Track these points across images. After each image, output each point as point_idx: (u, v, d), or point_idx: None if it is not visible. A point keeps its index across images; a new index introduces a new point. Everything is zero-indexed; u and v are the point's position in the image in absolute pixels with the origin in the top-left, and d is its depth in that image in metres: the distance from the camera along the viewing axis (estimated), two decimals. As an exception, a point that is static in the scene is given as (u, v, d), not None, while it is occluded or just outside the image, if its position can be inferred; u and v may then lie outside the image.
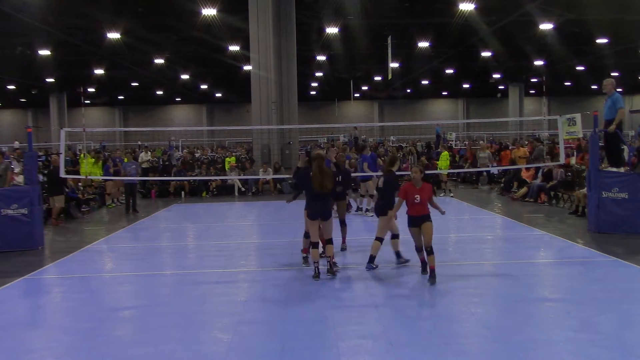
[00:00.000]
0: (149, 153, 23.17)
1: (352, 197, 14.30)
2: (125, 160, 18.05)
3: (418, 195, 7.54)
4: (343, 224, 9.70)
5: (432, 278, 7.51)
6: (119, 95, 48.77)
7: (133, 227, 13.48)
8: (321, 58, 31.11)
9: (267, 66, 19.63)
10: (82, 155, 20.59)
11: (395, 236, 8.53)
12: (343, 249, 9.66)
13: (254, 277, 8.42)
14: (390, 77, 27.04)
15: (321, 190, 7.85)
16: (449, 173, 19.81)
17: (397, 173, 16.10)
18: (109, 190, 17.36)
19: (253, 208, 17.13)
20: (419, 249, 7.89)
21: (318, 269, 7.88)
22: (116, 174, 16.91)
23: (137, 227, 13.53)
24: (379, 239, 8.27)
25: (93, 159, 18.45)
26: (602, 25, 24.75)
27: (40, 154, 21.01)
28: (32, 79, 37.06)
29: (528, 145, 21.13)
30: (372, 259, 8.31)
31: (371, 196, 13.26)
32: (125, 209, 15.66)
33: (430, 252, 7.55)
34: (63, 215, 14.33)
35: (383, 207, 8.23)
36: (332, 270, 8.01)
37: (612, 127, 10.95)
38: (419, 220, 7.61)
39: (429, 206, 7.72)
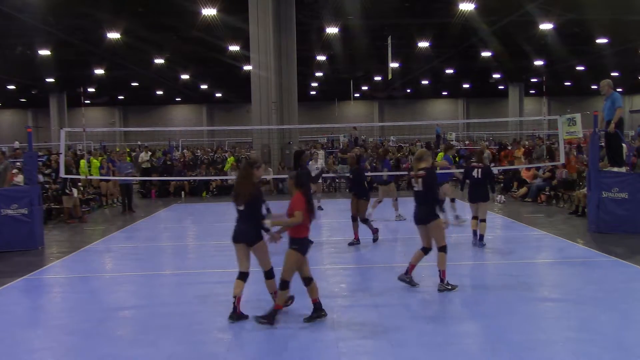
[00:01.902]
0: (149, 153, 23.17)
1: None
2: (128, 159, 18.04)
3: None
4: (365, 221, 10.09)
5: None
6: (119, 95, 48.77)
7: (133, 227, 13.48)
8: (321, 58, 31.10)
9: (267, 66, 19.62)
10: (83, 156, 20.58)
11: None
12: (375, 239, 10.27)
13: (254, 277, 8.37)
14: (390, 77, 27.00)
15: (236, 202, 6.24)
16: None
17: (397, 173, 16.08)
18: (104, 190, 17.36)
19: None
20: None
21: (235, 305, 6.13)
22: (113, 174, 16.92)
23: (137, 227, 13.53)
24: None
25: (98, 160, 18.49)
26: (602, 25, 24.75)
27: (40, 153, 20.99)
28: (32, 79, 37.07)
29: (527, 145, 21.16)
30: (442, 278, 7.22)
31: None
32: (122, 209, 15.77)
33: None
34: (63, 216, 14.36)
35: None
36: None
37: (612, 127, 10.97)
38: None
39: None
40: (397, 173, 15.95)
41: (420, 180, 7.21)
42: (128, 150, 24.65)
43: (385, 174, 13.40)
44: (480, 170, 9.79)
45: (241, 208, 6.18)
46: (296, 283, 6.17)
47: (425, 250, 7.30)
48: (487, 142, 30.14)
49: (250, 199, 6.13)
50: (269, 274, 6.34)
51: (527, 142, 23.68)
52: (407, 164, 21.71)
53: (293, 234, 6.06)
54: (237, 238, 6.22)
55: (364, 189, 10.09)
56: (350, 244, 10.14)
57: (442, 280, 7.14)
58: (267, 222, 6.14)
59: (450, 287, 7.10)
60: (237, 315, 6.12)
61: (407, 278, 7.34)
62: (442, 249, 7.14)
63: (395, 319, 6.27)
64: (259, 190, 6.37)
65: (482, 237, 9.77)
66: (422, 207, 7.23)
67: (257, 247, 6.23)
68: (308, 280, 6.17)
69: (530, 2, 20.54)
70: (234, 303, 6.12)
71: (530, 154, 19.66)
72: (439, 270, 7.16)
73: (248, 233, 6.18)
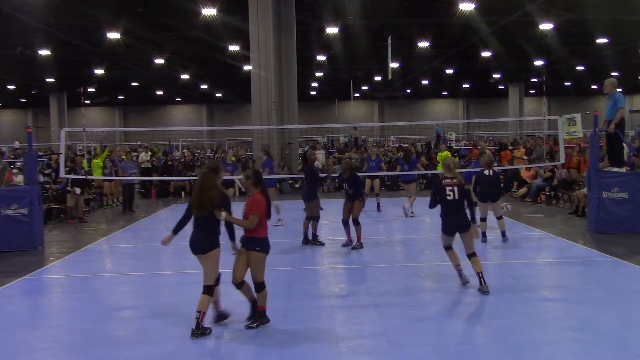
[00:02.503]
0: (149, 153, 23.17)
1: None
2: (124, 157, 18.01)
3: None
4: (356, 222, 9.89)
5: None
6: (119, 95, 48.76)
7: (133, 227, 13.49)
8: (321, 58, 31.08)
9: (267, 66, 19.62)
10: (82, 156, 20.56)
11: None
12: (356, 247, 9.92)
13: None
14: (390, 77, 27.01)
15: (198, 213, 5.87)
16: None
17: (397, 173, 16.13)
18: (106, 190, 17.37)
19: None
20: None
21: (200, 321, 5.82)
22: (115, 174, 16.91)
23: (137, 227, 13.53)
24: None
25: (100, 159, 18.47)
26: (602, 25, 24.73)
27: (40, 154, 21.00)
28: (32, 79, 37.04)
29: (526, 145, 21.16)
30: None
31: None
32: (122, 209, 15.81)
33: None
34: (63, 215, 14.37)
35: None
36: (197, 330, 5.76)
37: (612, 127, 10.97)
38: None
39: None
40: (422, 172, 16.27)
41: (455, 189, 7.13)
42: (127, 151, 24.62)
43: (415, 172, 14.25)
44: (491, 170, 10.32)
45: (203, 215, 5.84)
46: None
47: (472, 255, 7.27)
48: (487, 142, 30.10)
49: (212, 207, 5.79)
50: (209, 289, 5.86)
51: (528, 142, 23.68)
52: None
53: (254, 234, 6.00)
54: (192, 248, 5.95)
55: (361, 191, 10.17)
56: (345, 245, 10.06)
57: (482, 283, 7.12)
58: (222, 214, 5.81)
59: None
60: (198, 329, 5.80)
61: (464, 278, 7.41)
62: (475, 253, 7.24)
63: (395, 319, 6.27)
64: (225, 198, 6.01)
65: (503, 233, 10.30)
66: (459, 215, 7.16)
67: (207, 257, 5.87)
68: (261, 286, 6.02)
69: (530, 2, 20.53)
70: (198, 319, 5.81)
71: (531, 154, 19.65)
72: (479, 273, 7.13)
73: (202, 242, 5.87)
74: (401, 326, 6.04)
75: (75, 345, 5.80)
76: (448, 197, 7.10)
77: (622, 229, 10.61)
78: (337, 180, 14.30)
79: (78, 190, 14.01)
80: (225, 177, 10.99)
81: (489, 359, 5.24)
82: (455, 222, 7.19)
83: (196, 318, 5.74)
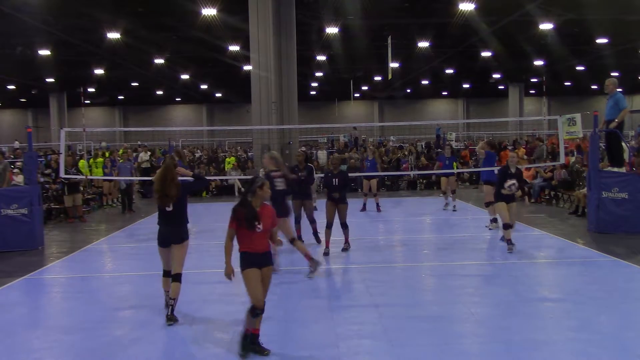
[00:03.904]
0: (149, 153, 23.17)
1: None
2: (121, 161, 18.01)
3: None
4: (344, 226, 9.62)
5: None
6: (119, 95, 48.75)
7: (133, 226, 13.49)
8: (321, 58, 31.08)
9: (267, 66, 19.61)
10: (82, 156, 20.57)
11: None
12: (345, 249, 9.71)
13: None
14: (390, 77, 27.00)
15: (163, 205, 6.21)
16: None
17: (397, 173, 16.10)
18: (106, 190, 17.37)
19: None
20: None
21: (171, 308, 6.22)
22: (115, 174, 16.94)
23: (137, 226, 13.53)
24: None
25: (101, 159, 18.48)
26: (602, 25, 24.73)
27: (40, 154, 20.99)
28: (32, 79, 37.03)
29: (527, 146, 21.15)
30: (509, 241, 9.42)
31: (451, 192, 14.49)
32: (122, 209, 15.82)
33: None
34: (63, 215, 14.38)
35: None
36: (170, 317, 6.17)
37: (614, 124, 10.96)
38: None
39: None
40: (398, 173, 16.12)
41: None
42: (122, 151, 24.64)
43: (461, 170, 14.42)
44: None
45: (169, 209, 6.19)
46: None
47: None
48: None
49: (177, 197, 6.16)
50: (177, 277, 6.22)
51: (528, 142, 23.67)
52: (406, 165, 21.75)
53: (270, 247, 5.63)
54: (166, 242, 6.24)
55: (345, 193, 9.61)
56: (326, 254, 9.53)
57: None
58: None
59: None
60: (172, 315, 6.21)
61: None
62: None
63: (395, 319, 6.27)
64: (184, 187, 6.31)
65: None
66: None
67: (182, 246, 6.25)
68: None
69: (530, 2, 20.52)
70: (172, 306, 6.19)
71: (531, 154, 19.65)
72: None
73: (177, 233, 6.21)
74: (401, 326, 6.04)
75: (75, 345, 5.80)
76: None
77: (622, 229, 10.61)
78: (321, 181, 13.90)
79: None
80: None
81: (489, 359, 5.24)
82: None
83: (171, 305, 6.17)
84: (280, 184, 8.61)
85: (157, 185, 6.16)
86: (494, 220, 11.52)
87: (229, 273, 5.41)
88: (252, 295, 5.30)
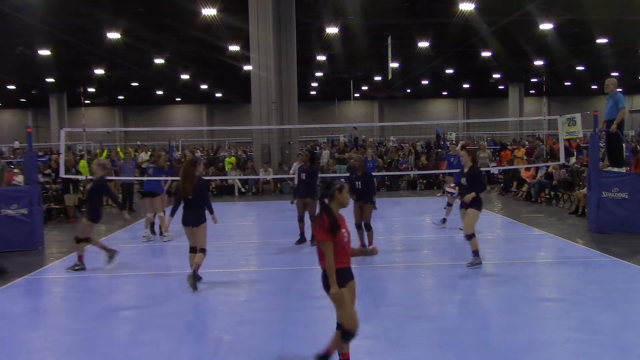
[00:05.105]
0: (149, 152, 23.16)
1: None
2: (122, 156, 18.01)
3: None
4: (368, 227, 9.51)
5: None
6: (119, 95, 48.77)
7: (133, 226, 13.47)
8: (321, 58, 31.09)
9: (267, 66, 19.63)
10: (82, 156, 20.56)
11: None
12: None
13: (254, 277, 8.42)
14: (390, 77, 27.02)
15: (184, 194, 7.55)
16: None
17: (397, 173, 16.06)
18: None
19: (253, 208, 17.13)
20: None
21: (195, 271, 7.53)
22: (115, 174, 16.90)
23: (137, 226, 13.51)
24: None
25: (104, 155, 18.48)
26: (602, 25, 24.74)
27: (40, 153, 20.99)
28: (32, 79, 37.05)
29: (527, 145, 21.15)
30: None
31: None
32: (122, 209, 15.73)
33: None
34: (62, 215, 14.37)
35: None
36: (194, 280, 7.45)
37: (613, 127, 10.96)
38: None
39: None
40: (399, 173, 15.94)
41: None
42: (119, 150, 24.66)
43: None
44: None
45: (190, 197, 7.52)
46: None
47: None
48: (486, 142, 30.10)
49: (196, 190, 7.49)
50: (202, 251, 7.67)
51: (527, 142, 23.66)
52: (406, 165, 21.75)
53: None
54: (186, 222, 7.63)
55: (373, 194, 9.59)
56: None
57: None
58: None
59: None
60: (194, 277, 7.49)
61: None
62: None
63: (395, 319, 6.27)
64: (202, 181, 7.78)
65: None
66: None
67: (201, 228, 7.66)
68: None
69: (530, 2, 20.53)
70: (194, 270, 7.49)
71: (531, 154, 19.65)
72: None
73: (196, 216, 7.61)
74: (401, 326, 6.04)
75: (75, 345, 5.80)
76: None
77: (622, 229, 10.61)
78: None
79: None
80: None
81: (489, 359, 5.23)
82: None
83: (194, 270, 7.45)
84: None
85: (180, 180, 7.62)
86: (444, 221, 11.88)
87: (343, 293, 4.60)
88: (349, 318, 4.63)
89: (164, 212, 11.45)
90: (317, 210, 5.13)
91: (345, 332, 4.67)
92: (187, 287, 7.40)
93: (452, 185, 7.91)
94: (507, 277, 8.04)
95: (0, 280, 8.30)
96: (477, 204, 8.23)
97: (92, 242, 9.08)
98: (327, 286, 4.65)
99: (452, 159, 14.02)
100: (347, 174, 10.91)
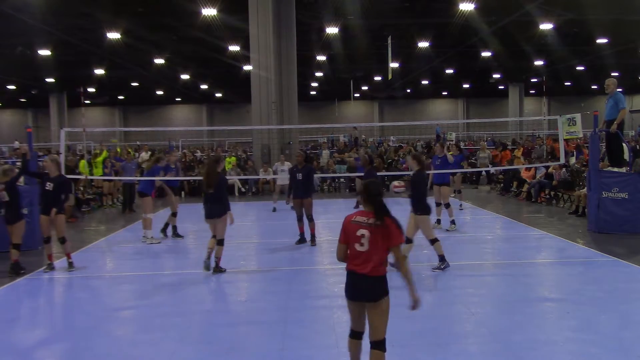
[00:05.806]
0: (149, 152, 23.16)
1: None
2: (118, 149, 18.00)
3: None
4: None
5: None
6: (119, 95, 48.76)
7: (133, 226, 13.48)
8: (321, 58, 31.08)
9: (267, 66, 19.63)
10: (82, 156, 20.56)
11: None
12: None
13: (254, 277, 8.43)
14: (390, 77, 27.00)
15: (208, 190, 8.38)
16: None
17: (397, 173, 16.03)
18: (106, 190, 17.36)
19: (253, 208, 17.13)
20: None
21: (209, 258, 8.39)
22: (115, 174, 16.92)
23: (137, 226, 13.50)
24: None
25: (100, 159, 18.48)
26: (602, 25, 24.74)
27: (40, 153, 20.98)
28: (32, 79, 37.05)
29: (526, 145, 21.15)
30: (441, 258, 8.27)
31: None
32: (122, 208, 15.81)
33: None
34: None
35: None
36: (217, 269, 8.41)
37: (614, 127, 10.96)
38: None
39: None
40: (399, 173, 15.86)
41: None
42: (119, 150, 24.64)
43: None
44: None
45: (211, 191, 8.31)
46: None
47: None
48: (486, 142, 30.12)
49: (217, 184, 8.30)
50: (220, 242, 8.40)
51: (526, 142, 23.63)
52: (406, 165, 21.75)
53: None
54: (210, 215, 8.38)
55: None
56: None
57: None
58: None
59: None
60: (213, 264, 8.37)
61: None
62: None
63: (395, 319, 6.26)
64: (223, 178, 8.57)
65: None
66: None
67: (221, 220, 8.36)
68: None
69: (530, 2, 20.53)
70: (216, 262, 8.37)
71: (528, 154, 19.65)
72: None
73: (218, 209, 8.35)
74: (401, 326, 6.04)
75: (75, 345, 5.80)
76: None
77: (622, 229, 10.61)
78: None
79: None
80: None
81: (489, 359, 5.23)
82: None
83: (216, 262, 8.37)
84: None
85: (203, 176, 8.47)
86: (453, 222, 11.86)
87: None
88: (385, 327, 4.41)
89: (151, 214, 11.48)
90: (357, 208, 5.20)
91: (383, 344, 4.36)
92: (202, 269, 8.30)
93: (397, 183, 7.81)
94: (507, 277, 8.04)
95: (14, 276, 8.45)
96: (422, 210, 8.15)
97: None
98: (375, 293, 4.31)
99: (438, 160, 13.78)
100: (348, 174, 10.98)
